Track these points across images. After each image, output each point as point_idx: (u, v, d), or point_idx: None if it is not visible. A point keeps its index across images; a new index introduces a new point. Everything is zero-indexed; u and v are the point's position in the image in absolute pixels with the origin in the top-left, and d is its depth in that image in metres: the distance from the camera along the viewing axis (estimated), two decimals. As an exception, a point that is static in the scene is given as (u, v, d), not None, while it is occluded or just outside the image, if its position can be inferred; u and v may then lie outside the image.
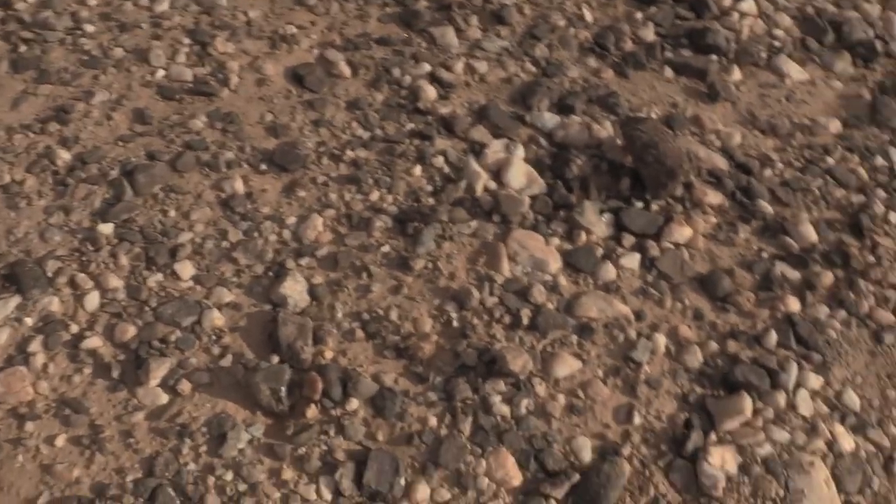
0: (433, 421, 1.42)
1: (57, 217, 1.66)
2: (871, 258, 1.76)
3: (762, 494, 1.39)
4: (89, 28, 2.06)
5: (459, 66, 2.07)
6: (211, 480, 1.33)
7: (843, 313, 1.66)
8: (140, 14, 2.12)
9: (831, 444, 1.46)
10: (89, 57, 2.00)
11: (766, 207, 1.83)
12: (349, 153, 1.83)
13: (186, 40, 2.06)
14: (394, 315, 1.56)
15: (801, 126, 2.06)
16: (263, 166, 1.79)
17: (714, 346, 1.58)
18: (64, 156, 1.77)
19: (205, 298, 1.55)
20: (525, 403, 1.45)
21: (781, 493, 1.39)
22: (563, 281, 1.65)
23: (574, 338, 1.56)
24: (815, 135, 2.04)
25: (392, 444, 1.40)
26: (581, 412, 1.46)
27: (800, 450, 1.45)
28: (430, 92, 1.98)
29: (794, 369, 1.54)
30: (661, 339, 1.57)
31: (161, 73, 1.97)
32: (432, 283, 1.62)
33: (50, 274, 1.56)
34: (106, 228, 1.64)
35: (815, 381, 1.54)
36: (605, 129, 1.94)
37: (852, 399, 1.54)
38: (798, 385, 1.53)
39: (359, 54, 2.08)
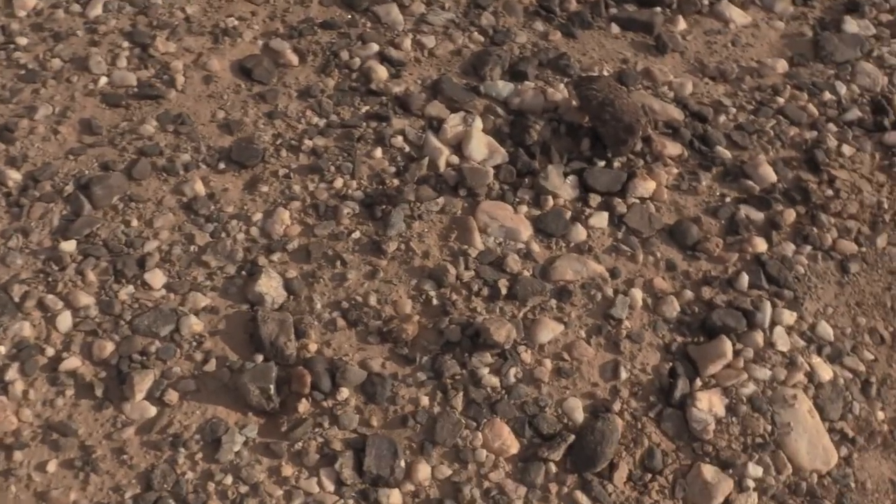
0: (425, 400, 1.43)
1: (15, 240, 1.61)
2: (830, 192, 1.81)
3: (751, 432, 1.43)
4: (22, 41, 1.99)
5: (407, 43, 2.05)
6: (211, 486, 1.32)
7: (808, 248, 1.71)
8: (73, 21, 2.05)
9: (811, 375, 1.51)
10: (26, 71, 1.93)
11: (725, 153, 1.86)
12: (307, 142, 1.81)
13: (125, 44, 2.00)
14: (373, 300, 1.56)
15: (749, 69, 2.09)
16: (222, 165, 1.76)
17: (689, 294, 1.61)
18: (14, 176, 1.71)
19: (180, 306, 1.53)
20: (513, 372, 1.47)
21: (769, 428, 1.44)
22: (535, 247, 1.66)
23: (553, 302, 1.58)
24: (763, 76, 2.08)
25: (387, 428, 1.40)
26: (569, 374, 1.48)
27: (782, 385, 1.49)
28: (382, 72, 1.96)
29: (767, 308, 1.58)
30: (638, 294, 1.60)
31: (104, 80, 1.92)
32: (407, 264, 1.62)
33: (17, 299, 1.52)
34: (68, 246, 1.60)
35: (788, 316, 1.59)
36: (560, 92, 1.95)
37: (826, 330, 1.59)
38: (773, 323, 1.57)
39: (304, 41, 2.04)
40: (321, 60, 2.00)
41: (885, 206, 1.80)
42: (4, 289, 1.53)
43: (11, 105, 1.86)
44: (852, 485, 1.40)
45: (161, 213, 1.67)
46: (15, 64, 1.95)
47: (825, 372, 1.52)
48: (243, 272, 1.59)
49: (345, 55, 2.01)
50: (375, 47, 2.02)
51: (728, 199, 1.79)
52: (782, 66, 2.10)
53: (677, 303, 1.59)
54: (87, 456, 1.35)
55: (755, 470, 1.39)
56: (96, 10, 2.08)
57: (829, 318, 1.61)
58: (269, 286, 1.55)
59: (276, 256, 1.61)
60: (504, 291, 1.57)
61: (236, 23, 2.08)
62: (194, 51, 2.01)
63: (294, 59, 1.99)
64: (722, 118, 1.95)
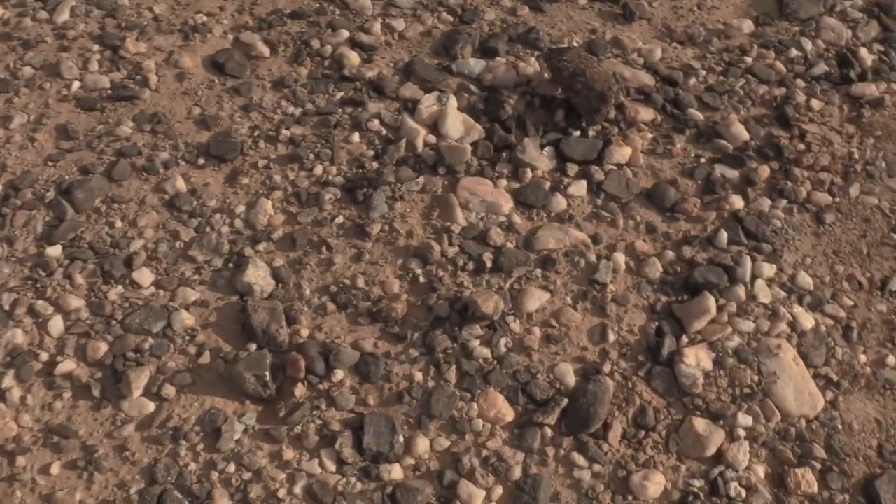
0: (419, 376, 1.46)
1: (0, 249, 1.62)
2: (801, 146, 1.84)
3: (739, 383, 1.47)
4: (-10, 51, 1.99)
5: (377, 27, 2.06)
6: (214, 476, 1.34)
7: (784, 202, 1.74)
8: (42, 28, 2.05)
9: (793, 324, 1.55)
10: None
11: (697, 115, 1.89)
12: (284, 132, 1.82)
13: (96, 47, 2.00)
14: (361, 282, 1.58)
15: (715, 31, 2.12)
16: (201, 160, 1.77)
17: (670, 254, 1.64)
18: (-6, 186, 1.72)
19: (170, 301, 1.55)
20: (503, 342, 1.49)
21: (756, 378, 1.47)
22: (517, 219, 1.68)
23: (538, 271, 1.60)
24: (730, 37, 2.11)
25: (384, 405, 1.43)
26: (558, 340, 1.51)
27: (766, 336, 1.53)
28: (354, 58, 1.97)
29: (747, 263, 1.61)
30: (621, 258, 1.62)
31: (76, 84, 1.92)
32: (392, 244, 1.64)
33: (7, 307, 1.53)
34: (54, 251, 1.61)
35: (768, 269, 1.62)
36: (531, 66, 1.97)
37: (805, 280, 1.62)
38: (754, 276, 1.61)
39: (274, 32, 2.05)
40: (292, 50, 2.01)
41: (856, 156, 1.84)
42: (-7, 298, 1.54)
43: (-15, 116, 1.86)
44: (839, 427, 1.44)
45: (144, 213, 1.68)
46: (-15, 74, 1.95)
47: (807, 320, 1.56)
48: (230, 264, 1.60)
49: (316, 43, 2.01)
50: (346, 34, 2.03)
51: (703, 160, 1.82)
52: (748, 26, 2.12)
53: (659, 264, 1.62)
54: (89, 456, 1.36)
55: (745, 419, 1.42)
56: (63, 16, 2.07)
57: (807, 268, 1.65)
58: (257, 276, 1.57)
59: (261, 246, 1.63)
60: (489, 264, 1.59)
61: (205, 19, 2.08)
62: (165, 49, 2.01)
63: (265, 50, 2.00)
64: (692, 81, 1.98)
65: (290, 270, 1.59)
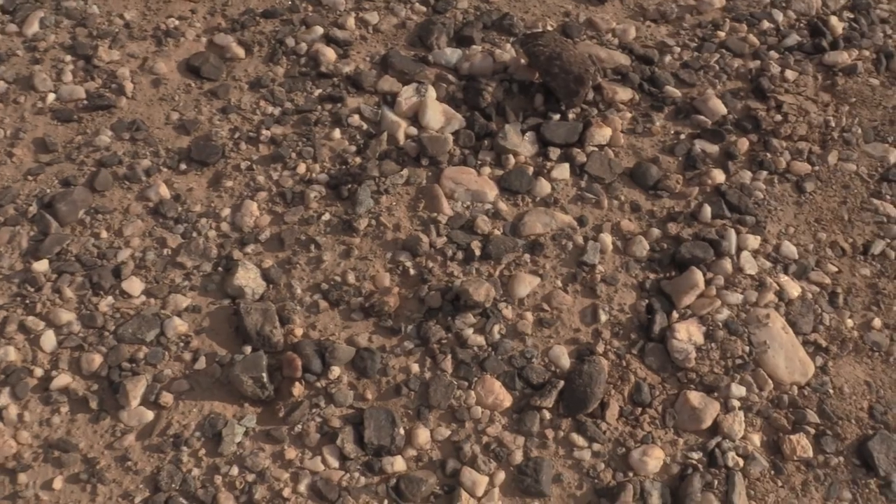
0: (415, 367, 1.47)
1: (-13, 267, 1.61)
2: (778, 117, 1.86)
3: (730, 355, 1.49)
4: (-39, 68, 1.97)
5: (351, 22, 2.06)
6: (218, 480, 1.35)
7: (764, 173, 1.76)
8: (12, 41, 2.03)
9: (780, 294, 1.57)
10: (-30, 97, 1.91)
11: (674, 91, 1.90)
12: (265, 132, 1.82)
13: (68, 57, 1.98)
14: (351, 278, 1.58)
15: (687, 7, 2.13)
16: (183, 166, 1.76)
17: (656, 231, 1.66)
18: (-25, 204, 1.70)
19: (162, 309, 1.55)
20: (497, 329, 1.51)
21: (747, 349, 1.50)
22: (503, 206, 1.69)
23: (527, 256, 1.61)
24: (702, 13, 2.12)
25: (382, 399, 1.44)
26: (550, 324, 1.53)
27: (754, 306, 1.55)
28: (329, 53, 1.97)
29: (732, 235, 1.63)
30: (607, 238, 1.64)
31: (51, 96, 1.90)
32: (380, 238, 1.64)
33: (-3, 324, 1.52)
34: (41, 266, 1.60)
35: (753, 241, 1.64)
36: (507, 52, 1.97)
37: (789, 249, 1.64)
38: (739, 249, 1.63)
39: (248, 32, 2.04)
40: (267, 50, 2.00)
41: (832, 123, 1.86)
42: (-17, 316, 1.53)
43: (-39, 133, 1.84)
44: (831, 391, 1.47)
45: (129, 221, 1.67)
46: (-42, 91, 1.92)
47: (793, 289, 1.58)
48: (220, 268, 1.60)
49: (290, 41, 2.01)
50: (320, 30, 2.03)
51: (682, 136, 1.83)
52: (719, 1, 2.14)
53: (646, 241, 1.64)
54: (91, 468, 1.37)
55: (738, 390, 1.45)
56: (33, 28, 2.05)
57: (791, 237, 1.67)
58: (248, 278, 1.57)
59: (250, 248, 1.63)
60: (478, 253, 1.60)
61: (177, 23, 2.07)
62: (139, 56, 2.00)
63: (240, 51, 1.99)
64: (668, 58, 1.99)
65: (280, 271, 1.59)
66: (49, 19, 2.07)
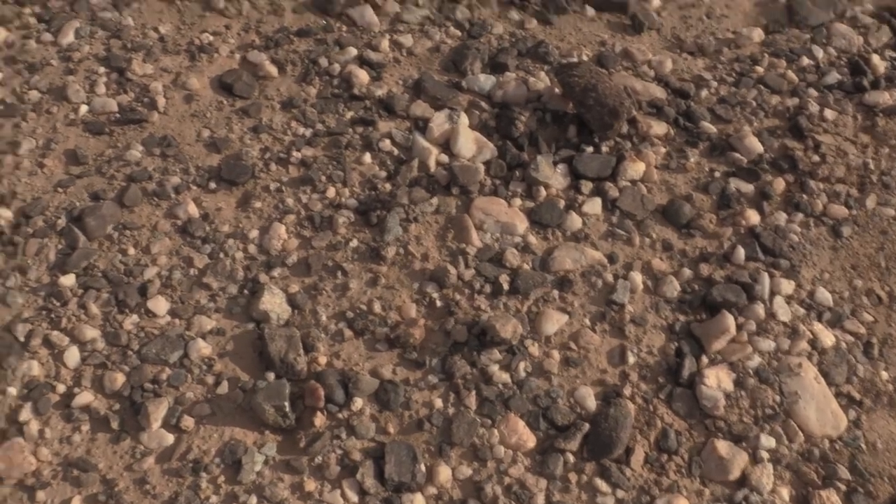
0: (438, 403, 1.45)
1: (14, 279, 1.61)
2: (816, 157, 1.83)
3: (760, 404, 1.46)
4: (-3, 76, 1.98)
5: (385, 44, 2.05)
6: (236, 508, 1.34)
7: (800, 216, 1.73)
8: (47, 51, 2.04)
9: (813, 342, 1.54)
10: (4, 105, 1.92)
11: (710, 127, 1.88)
12: (295, 154, 1.81)
13: (102, 69, 1.99)
14: (377, 307, 1.57)
15: (726, 41, 2.10)
16: (212, 184, 1.76)
17: (688, 272, 1.63)
18: (5, 214, 1.71)
19: (186, 330, 1.54)
20: (522, 366, 1.48)
21: (778, 398, 1.46)
22: (532, 239, 1.67)
23: (555, 293, 1.59)
24: (740, 47, 2.09)
25: (404, 433, 1.42)
26: (577, 363, 1.50)
27: (786, 354, 1.52)
28: (362, 75, 1.96)
29: (765, 279, 1.60)
30: (638, 277, 1.61)
31: (84, 108, 1.91)
32: (407, 267, 1.63)
33: (22, 338, 1.52)
34: (68, 280, 1.60)
35: (787, 286, 1.61)
36: (542, 81, 1.96)
37: (824, 296, 1.61)
38: (772, 293, 1.60)
39: (282, 50, 2.04)
40: (301, 69, 2.00)
41: (871, 166, 1.83)
42: (8, 329, 1.53)
43: (-6, 142, 1.85)
44: (863, 446, 1.43)
45: (157, 239, 1.67)
46: (-7, 100, 1.93)
47: (827, 337, 1.55)
48: (245, 291, 1.59)
49: (324, 62, 2.00)
50: (354, 51, 2.02)
51: (717, 174, 1.81)
52: (758, 34, 2.11)
53: (677, 282, 1.61)
54: (109, 489, 1.36)
55: (768, 441, 1.41)
56: (68, 38, 2.06)
57: (826, 283, 1.64)
58: (273, 303, 1.56)
59: (276, 272, 1.62)
60: (506, 287, 1.58)
61: (211, 38, 2.07)
62: (172, 70, 2.00)
63: (273, 70, 1.98)
64: (704, 93, 1.96)
65: (306, 296, 1.58)
66: (84, 29, 2.08)
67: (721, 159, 1.84)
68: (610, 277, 1.61)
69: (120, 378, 1.47)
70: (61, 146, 1.84)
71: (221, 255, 1.64)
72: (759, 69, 2.02)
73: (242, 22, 2.12)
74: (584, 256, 1.64)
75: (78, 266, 1.62)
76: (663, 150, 1.84)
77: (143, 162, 1.81)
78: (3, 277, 1.61)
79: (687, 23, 2.15)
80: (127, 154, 1.82)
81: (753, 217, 1.72)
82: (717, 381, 1.47)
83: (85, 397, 1.45)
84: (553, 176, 1.76)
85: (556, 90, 1.91)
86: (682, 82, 1.98)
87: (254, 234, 1.68)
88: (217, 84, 1.97)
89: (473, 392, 1.45)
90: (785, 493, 1.37)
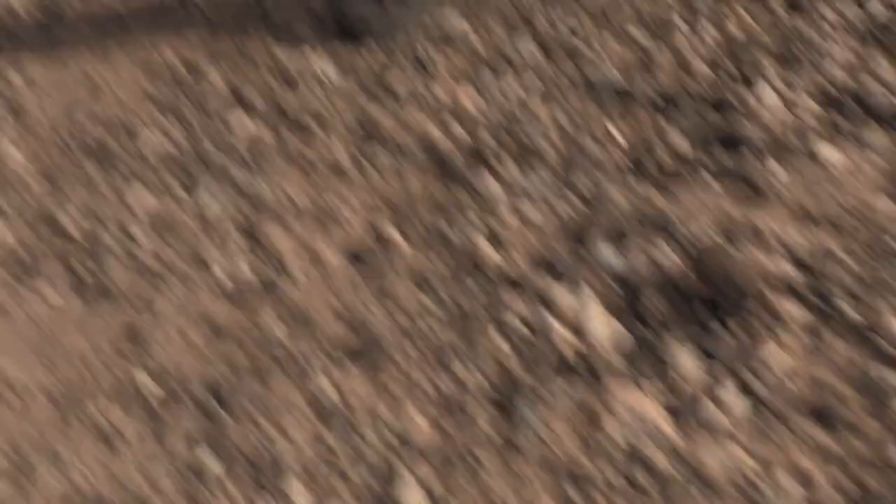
0: None
1: (155, 447, 1.65)
2: (966, 345, 1.75)
3: None
4: (141, 238, 2.10)
5: (508, 214, 2.10)
6: None
7: (955, 413, 1.64)
8: (185, 214, 2.16)
9: None
10: (147, 271, 2.02)
11: (850, 311, 1.82)
12: (426, 331, 1.84)
13: (238, 235, 2.09)
14: (512, 502, 1.54)
15: (857, 212, 2.06)
16: (347, 362, 1.79)
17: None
18: (146, 381, 1.77)
19: (322, 519, 1.54)
20: (669, 579, 1.42)
21: None
22: (669, 431, 1.63)
23: (696, 491, 1.53)
24: (874, 220, 2.05)
25: None
26: (727, 578, 1.43)
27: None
28: (487, 248, 2.00)
29: (925, 487, 1.51)
30: (792, 484, 1.54)
31: (221, 274, 2.00)
32: (542, 459, 1.60)
33: (163, 520, 1.55)
34: (206, 456, 1.63)
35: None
36: (666, 255, 1.95)
37: None
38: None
39: (409, 220, 2.10)
40: (426, 239, 2.05)
41: None
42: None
43: (136, 303, 1.95)
44: None
45: (293, 418, 1.70)
46: (136, 262, 2.05)
47: None
48: (379, 478, 1.59)
49: (449, 232, 2.05)
50: (477, 221, 2.07)
51: (860, 362, 1.74)
52: (888, 204, 2.07)
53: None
54: None
55: None
56: (202, 196, 2.18)
57: None
58: (408, 494, 1.55)
59: (413, 462, 1.61)
60: (648, 488, 1.53)
61: (340, 206, 2.16)
62: (305, 240, 2.08)
63: (401, 241, 2.04)
64: (838, 269, 1.92)
65: (442, 488, 1.57)
66: (212, 186, 2.20)
67: (865, 348, 1.77)
68: (760, 483, 1.55)
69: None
70: (200, 313, 1.92)
71: (359, 439, 1.66)
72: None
73: (368, 191, 2.20)
74: (730, 459, 1.58)
75: (217, 442, 1.66)
76: (802, 335, 1.79)
77: (279, 335, 1.86)
78: (146, 450, 1.66)
79: (813, 192, 2.13)
80: (263, 326, 1.88)
81: (904, 412, 1.64)
82: None
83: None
84: (687, 362, 1.73)
85: (685, 268, 1.90)
86: (814, 259, 1.94)
87: (387, 415, 1.69)
88: (347, 254, 2.04)
89: None
90: None
